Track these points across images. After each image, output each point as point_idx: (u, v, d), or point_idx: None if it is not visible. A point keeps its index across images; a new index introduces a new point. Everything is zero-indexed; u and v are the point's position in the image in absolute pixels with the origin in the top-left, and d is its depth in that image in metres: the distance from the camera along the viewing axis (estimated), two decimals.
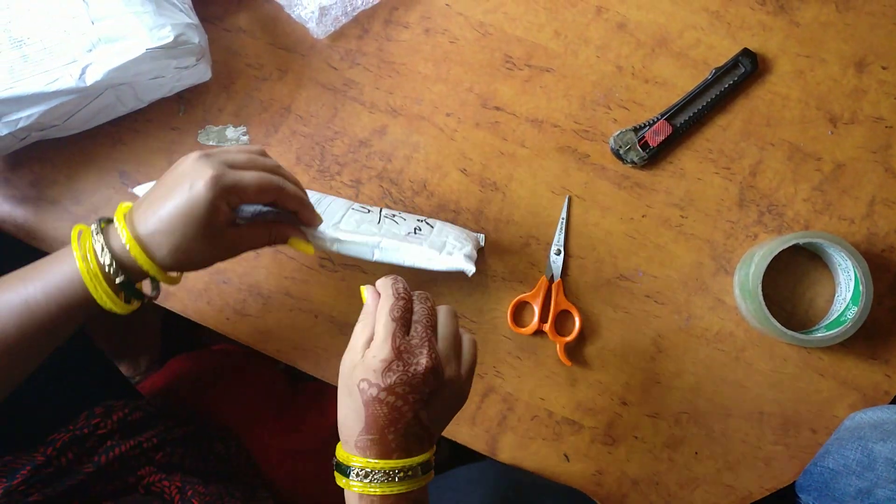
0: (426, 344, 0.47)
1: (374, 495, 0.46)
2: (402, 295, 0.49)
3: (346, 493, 0.48)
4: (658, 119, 0.65)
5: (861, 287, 0.60)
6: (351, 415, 0.48)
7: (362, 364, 0.47)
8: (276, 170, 0.53)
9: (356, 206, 0.63)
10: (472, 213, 0.67)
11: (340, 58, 0.68)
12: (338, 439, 0.75)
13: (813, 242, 0.61)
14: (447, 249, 0.60)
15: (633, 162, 0.66)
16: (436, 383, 0.47)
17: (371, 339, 0.48)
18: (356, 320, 0.49)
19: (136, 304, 0.51)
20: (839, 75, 0.66)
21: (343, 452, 0.48)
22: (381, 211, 0.63)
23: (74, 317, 0.50)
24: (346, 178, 0.68)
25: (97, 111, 0.63)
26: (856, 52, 0.66)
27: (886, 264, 0.65)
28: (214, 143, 0.68)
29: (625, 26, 0.67)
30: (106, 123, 0.66)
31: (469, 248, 0.60)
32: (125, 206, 0.50)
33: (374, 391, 0.46)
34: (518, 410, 0.66)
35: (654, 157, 0.66)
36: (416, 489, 0.47)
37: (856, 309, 0.60)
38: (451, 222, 0.67)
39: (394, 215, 0.63)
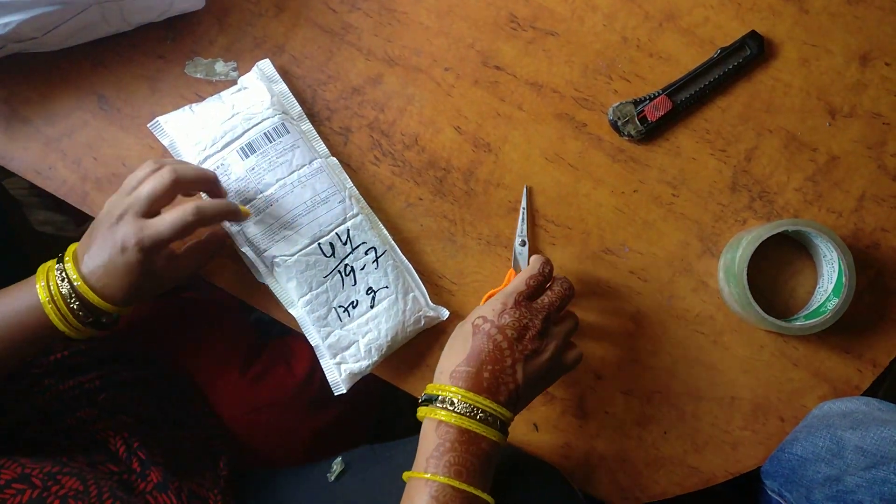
0: (545, 312, 0.53)
1: (452, 426, 0.48)
2: (544, 273, 0.55)
3: (424, 426, 0.50)
4: (659, 94, 0.64)
5: (844, 279, 0.59)
6: (457, 345, 0.52)
7: (483, 307, 0.53)
8: (199, 184, 0.57)
9: (327, 238, 0.60)
10: (462, 173, 0.65)
11: (341, 0, 0.66)
12: (303, 396, 0.74)
13: (801, 231, 0.61)
14: (350, 352, 0.60)
15: (629, 135, 0.65)
16: (538, 348, 0.52)
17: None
18: None
19: (90, 331, 0.56)
20: (843, 67, 0.65)
21: (433, 385, 0.51)
22: (344, 259, 0.60)
23: (33, 340, 0.53)
24: (335, 125, 0.65)
25: (79, 28, 0.60)
26: (861, 45, 0.65)
27: (869, 260, 0.65)
28: (202, 77, 0.65)
29: None
30: (87, 43, 0.62)
31: (365, 365, 0.61)
32: (74, 245, 0.55)
33: (487, 326, 0.52)
34: None
35: (652, 132, 0.65)
36: (488, 442, 0.49)
37: (836, 300, 0.60)
38: (440, 181, 0.65)
39: (351, 270, 0.60)
